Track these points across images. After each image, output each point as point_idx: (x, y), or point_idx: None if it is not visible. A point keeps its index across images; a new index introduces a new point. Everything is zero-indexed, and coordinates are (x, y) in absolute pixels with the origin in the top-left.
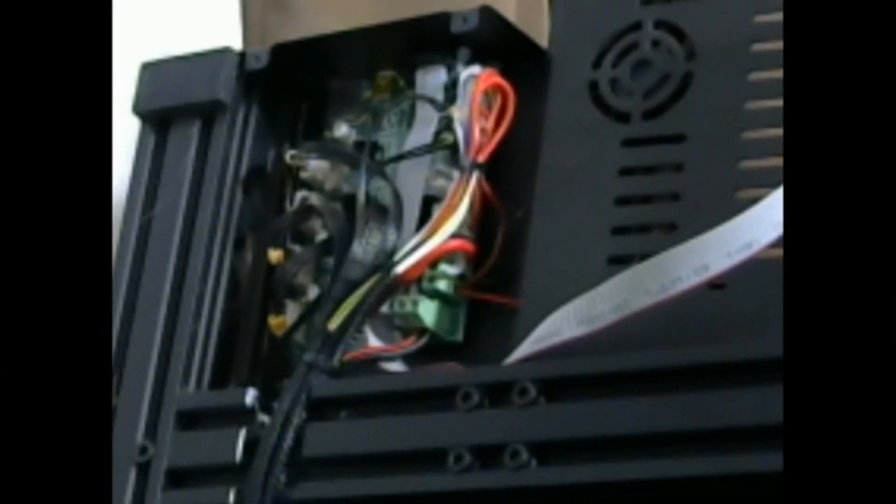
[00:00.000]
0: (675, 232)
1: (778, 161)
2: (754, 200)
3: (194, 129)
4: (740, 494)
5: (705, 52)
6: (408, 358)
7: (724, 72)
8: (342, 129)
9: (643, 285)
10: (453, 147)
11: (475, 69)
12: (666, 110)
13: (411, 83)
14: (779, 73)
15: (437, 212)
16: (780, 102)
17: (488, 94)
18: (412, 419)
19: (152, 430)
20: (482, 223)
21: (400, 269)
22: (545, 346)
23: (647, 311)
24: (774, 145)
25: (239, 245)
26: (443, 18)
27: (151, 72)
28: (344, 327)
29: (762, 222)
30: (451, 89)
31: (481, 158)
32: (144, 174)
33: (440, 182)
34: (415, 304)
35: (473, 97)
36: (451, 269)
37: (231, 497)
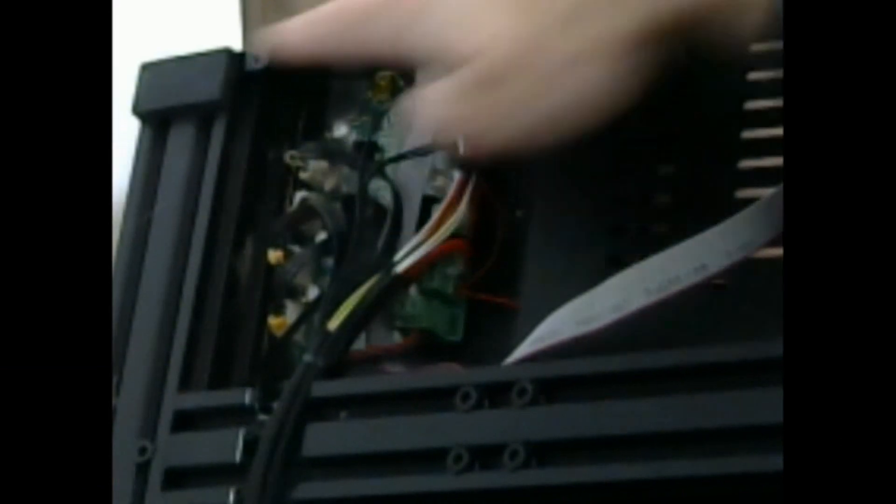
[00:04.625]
0: (675, 232)
1: (777, 161)
2: (753, 200)
3: (194, 129)
4: (740, 494)
5: None
6: (407, 358)
7: (724, 71)
8: (342, 129)
9: (642, 285)
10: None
11: None
12: (665, 110)
13: (411, 83)
14: (778, 73)
15: (436, 212)
16: (780, 102)
17: None
18: (412, 419)
19: (152, 431)
20: (482, 223)
21: (400, 269)
22: (545, 346)
23: (647, 311)
24: (774, 145)
25: (238, 245)
26: None
27: (151, 72)
28: (344, 327)
29: (760, 221)
30: None
31: None
32: (144, 174)
33: (440, 182)
34: (414, 304)
35: None
36: (451, 269)
37: (231, 497)
